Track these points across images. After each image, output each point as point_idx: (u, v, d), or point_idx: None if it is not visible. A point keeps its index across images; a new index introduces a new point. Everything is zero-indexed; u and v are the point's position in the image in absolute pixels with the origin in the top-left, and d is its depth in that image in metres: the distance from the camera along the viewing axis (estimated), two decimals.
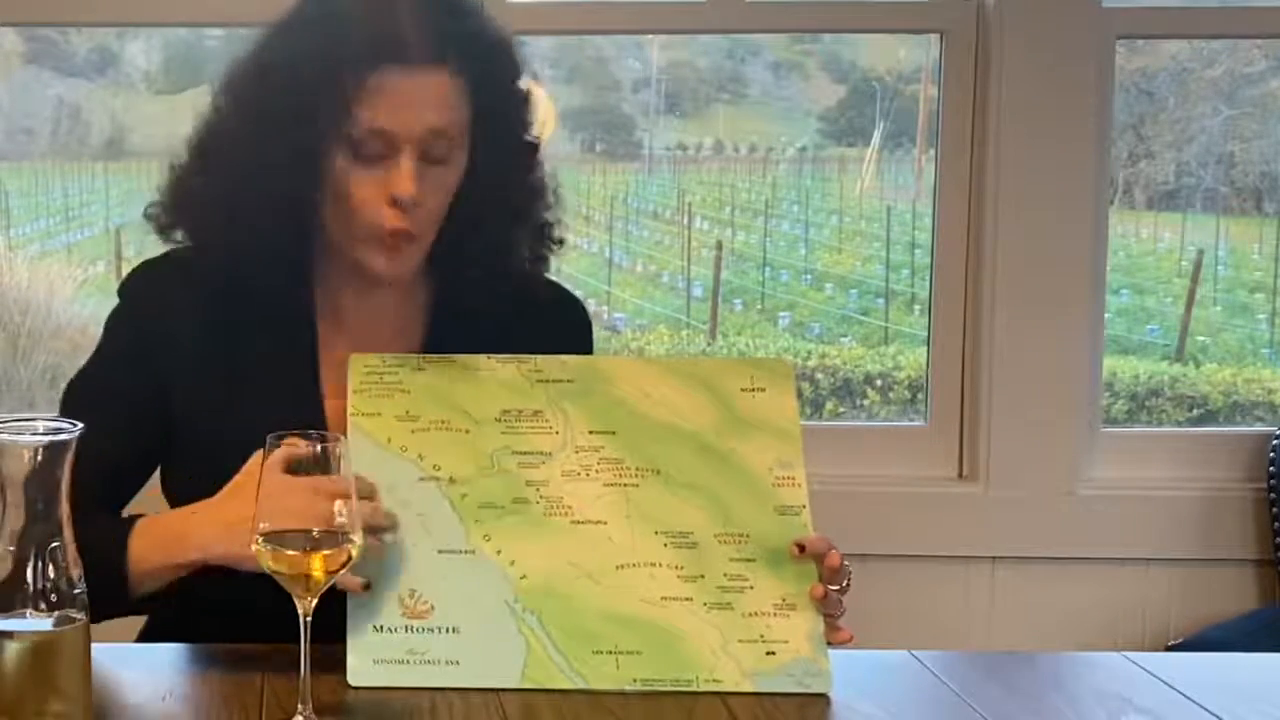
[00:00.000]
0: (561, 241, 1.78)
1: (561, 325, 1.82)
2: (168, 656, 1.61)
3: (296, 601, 1.34)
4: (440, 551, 1.51)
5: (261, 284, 1.65)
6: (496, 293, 1.72)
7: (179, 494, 1.71)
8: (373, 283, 1.67)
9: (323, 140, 1.57)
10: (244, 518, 1.38)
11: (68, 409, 1.68)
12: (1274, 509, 2.67)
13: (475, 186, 1.64)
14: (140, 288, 1.75)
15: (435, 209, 1.61)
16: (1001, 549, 2.71)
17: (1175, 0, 2.91)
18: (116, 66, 3.49)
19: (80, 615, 1.23)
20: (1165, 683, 1.56)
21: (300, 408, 1.66)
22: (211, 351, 1.68)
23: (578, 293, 1.91)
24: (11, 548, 1.21)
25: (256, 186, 1.59)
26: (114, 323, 1.76)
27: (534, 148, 1.73)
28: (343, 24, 1.57)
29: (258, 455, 1.42)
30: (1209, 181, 3.57)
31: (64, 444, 1.20)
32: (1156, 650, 2.65)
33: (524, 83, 1.69)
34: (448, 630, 1.49)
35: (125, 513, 1.68)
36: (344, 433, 1.53)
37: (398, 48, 1.55)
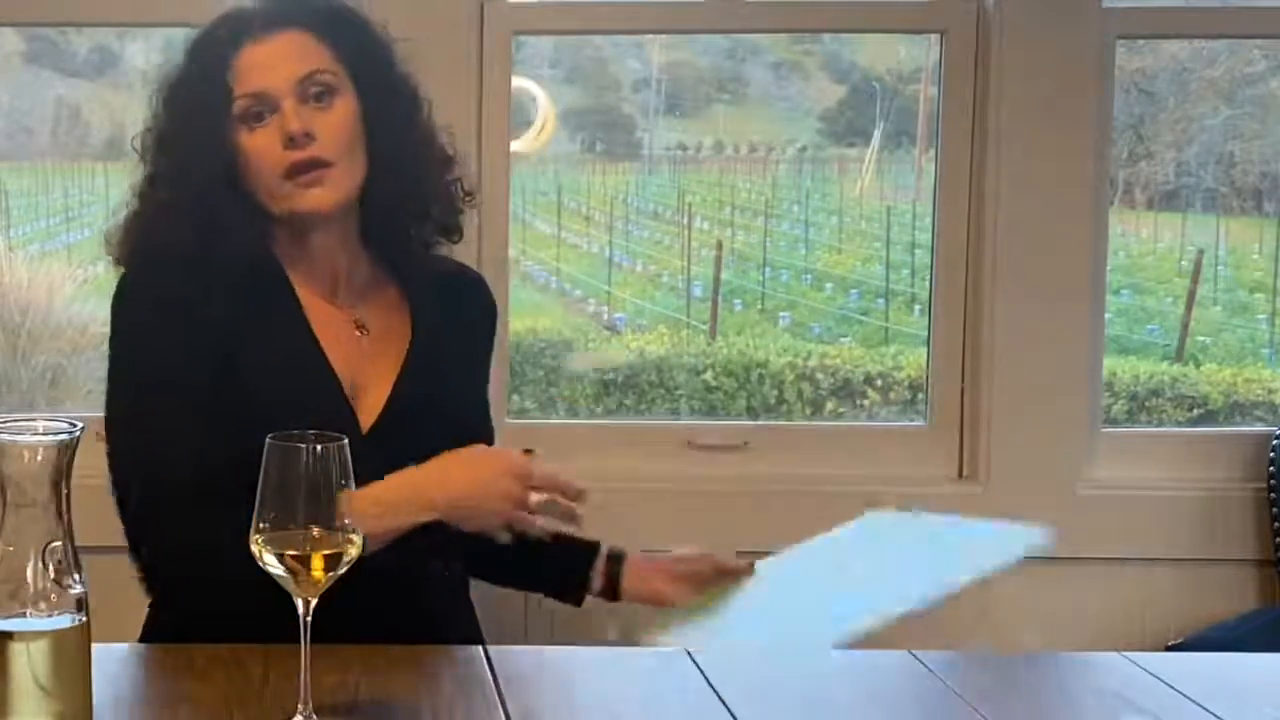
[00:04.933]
0: (461, 211, 1.96)
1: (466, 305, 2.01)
2: (168, 656, 1.61)
3: (296, 601, 1.34)
4: None
5: (230, 261, 1.80)
6: (419, 242, 1.92)
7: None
8: (312, 225, 1.84)
9: (226, 129, 1.80)
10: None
11: (132, 421, 1.78)
12: (1274, 509, 2.67)
13: (380, 143, 1.84)
14: (145, 278, 1.83)
15: (336, 140, 1.80)
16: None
17: (1175, 0, 2.91)
18: (116, 66, 3.49)
19: (80, 615, 1.23)
20: (1165, 683, 1.56)
21: (303, 358, 1.81)
22: (213, 327, 1.78)
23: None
24: (11, 548, 1.21)
25: (190, 198, 1.79)
26: (134, 318, 1.82)
27: (429, 110, 1.91)
28: (211, 26, 1.85)
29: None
30: (1209, 181, 3.57)
31: (64, 444, 1.21)
32: (1156, 650, 2.65)
33: (387, 45, 1.90)
34: None
35: None
36: (341, 362, 1.79)
37: (247, 25, 1.82)
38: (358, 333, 1.88)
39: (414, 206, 1.89)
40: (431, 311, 1.93)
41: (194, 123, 1.82)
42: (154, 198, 1.84)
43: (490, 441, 2.02)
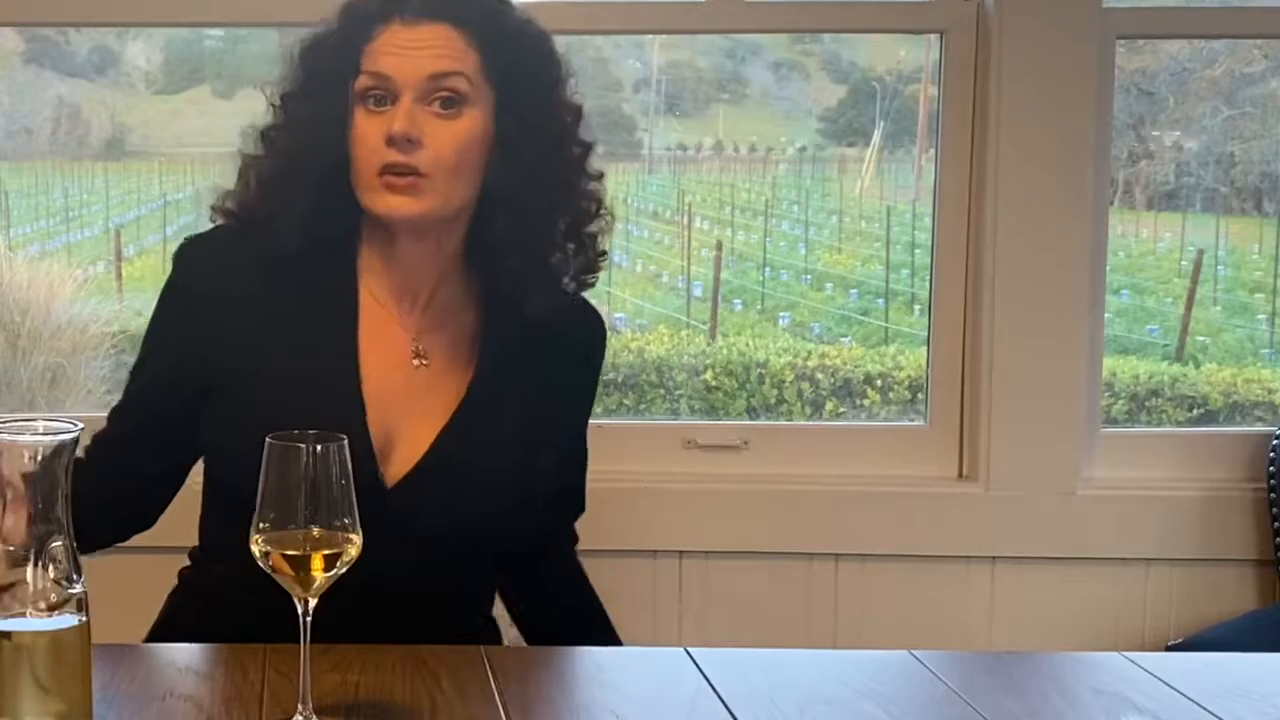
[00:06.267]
0: (604, 254, 1.83)
1: (576, 335, 1.86)
2: (168, 656, 1.61)
3: (296, 601, 1.34)
4: None
5: (305, 253, 1.72)
6: (537, 285, 1.76)
7: (219, 442, 1.74)
8: (400, 230, 1.72)
9: (348, 106, 1.69)
10: None
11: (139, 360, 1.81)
12: (1274, 509, 2.67)
13: (511, 172, 1.71)
14: (191, 256, 1.80)
15: (443, 155, 1.67)
16: (1001, 549, 2.71)
17: (1175, 0, 2.91)
18: (116, 66, 3.48)
19: (80, 615, 1.23)
20: (1165, 683, 1.56)
21: (339, 370, 1.72)
22: (256, 314, 1.73)
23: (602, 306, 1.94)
24: (11, 548, 1.21)
25: (301, 164, 1.71)
26: (166, 291, 1.80)
27: (586, 148, 1.81)
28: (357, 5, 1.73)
29: None
30: (1209, 181, 3.57)
31: (64, 444, 1.20)
32: (1156, 650, 2.65)
33: (554, 62, 1.77)
34: None
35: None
36: (383, 394, 1.68)
37: (402, 4, 1.69)
38: (415, 361, 1.75)
39: (527, 250, 1.74)
40: (510, 347, 1.78)
41: (322, 83, 1.71)
42: (260, 159, 1.75)
43: (577, 486, 1.91)
